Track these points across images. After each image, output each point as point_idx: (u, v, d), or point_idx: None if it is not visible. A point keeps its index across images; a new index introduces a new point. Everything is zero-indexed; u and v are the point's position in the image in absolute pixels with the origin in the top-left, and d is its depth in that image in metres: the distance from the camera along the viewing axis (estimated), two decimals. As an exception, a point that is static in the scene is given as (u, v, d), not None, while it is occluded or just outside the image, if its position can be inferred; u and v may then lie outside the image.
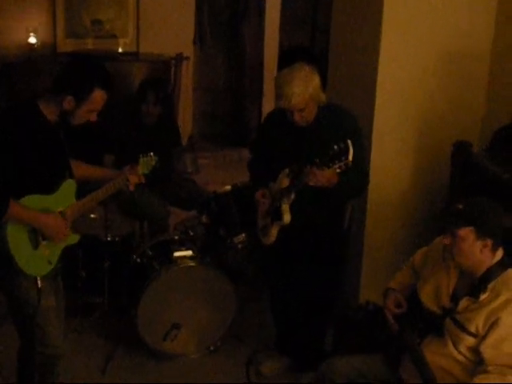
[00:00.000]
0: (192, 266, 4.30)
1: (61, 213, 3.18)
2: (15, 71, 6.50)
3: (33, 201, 3.06)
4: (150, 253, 4.46)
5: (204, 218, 4.58)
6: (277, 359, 4.28)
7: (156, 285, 4.20)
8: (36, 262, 3.14)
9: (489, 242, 2.85)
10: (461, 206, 2.88)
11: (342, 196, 3.80)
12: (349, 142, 3.23)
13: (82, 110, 3.10)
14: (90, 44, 6.91)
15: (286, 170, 3.70)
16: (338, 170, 3.30)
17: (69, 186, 3.23)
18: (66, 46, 6.82)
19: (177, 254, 4.35)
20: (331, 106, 3.75)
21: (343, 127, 3.67)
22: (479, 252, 2.86)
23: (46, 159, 3.08)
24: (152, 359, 4.32)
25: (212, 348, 4.43)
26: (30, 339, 3.24)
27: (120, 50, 6.98)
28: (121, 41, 7.02)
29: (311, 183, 3.44)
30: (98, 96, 3.10)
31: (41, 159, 3.05)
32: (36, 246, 3.12)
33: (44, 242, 3.15)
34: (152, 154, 3.56)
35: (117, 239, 4.61)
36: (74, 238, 3.34)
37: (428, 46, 4.27)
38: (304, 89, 3.53)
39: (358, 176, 3.61)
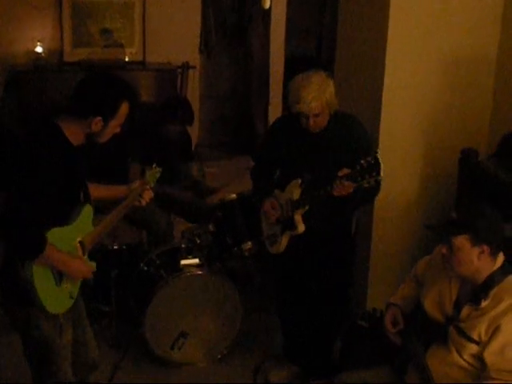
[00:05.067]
0: (199, 275, 4.30)
1: (80, 242, 3.07)
2: (23, 80, 6.53)
3: (55, 235, 2.90)
4: (157, 261, 4.47)
5: (211, 226, 4.57)
6: (284, 367, 4.27)
7: (163, 293, 4.20)
8: (59, 298, 3.03)
9: (485, 247, 2.83)
10: (454, 215, 2.88)
11: (354, 204, 3.78)
12: (378, 156, 3.21)
13: (110, 128, 2.99)
14: (96, 53, 6.92)
15: (298, 181, 3.69)
16: (366, 185, 3.28)
17: (87, 213, 3.09)
18: (73, 55, 6.84)
19: (184, 262, 4.36)
20: (342, 114, 3.74)
21: (355, 136, 3.67)
22: (477, 259, 2.85)
23: (68, 188, 2.94)
24: (159, 368, 4.32)
25: (219, 356, 4.42)
26: (43, 375, 3.16)
27: (126, 59, 6.99)
28: (127, 50, 7.04)
29: (336, 194, 3.41)
30: (124, 109, 2.99)
31: (63, 188, 2.90)
32: (59, 282, 3.00)
33: (66, 277, 3.03)
34: (155, 165, 3.45)
35: (124, 247, 4.61)
36: (91, 266, 3.21)
37: (434, 52, 4.27)
38: (321, 93, 3.52)
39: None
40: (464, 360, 2.91)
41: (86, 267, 3.11)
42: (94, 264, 3.21)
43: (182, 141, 5.41)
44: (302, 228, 3.73)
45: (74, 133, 2.94)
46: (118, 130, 3.05)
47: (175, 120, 5.10)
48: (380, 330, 3.44)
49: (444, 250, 2.89)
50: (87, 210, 3.09)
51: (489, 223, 2.85)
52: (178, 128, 5.15)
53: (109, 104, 2.95)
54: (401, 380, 3.17)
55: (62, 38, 6.81)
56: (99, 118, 2.92)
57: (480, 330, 2.85)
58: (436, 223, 3.02)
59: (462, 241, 2.83)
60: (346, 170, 3.35)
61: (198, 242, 4.50)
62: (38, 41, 6.60)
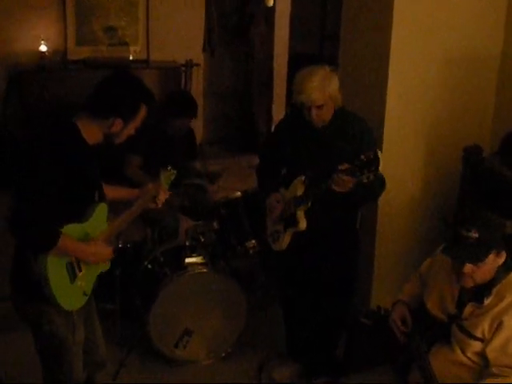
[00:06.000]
0: (203, 273, 4.30)
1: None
2: (26, 79, 6.54)
3: (72, 231, 2.92)
4: (162, 259, 4.47)
5: (215, 224, 4.58)
6: (288, 365, 4.27)
7: (167, 291, 4.21)
8: (73, 295, 3.03)
9: (503, 253, 2.88)
10: (476, 235, 2.82)
11: (358, 201, 3.78)
12: (378, 151, 3.22)
13: (128, 129, 3.04)
14: (100, 52, 6.93)
15: (302, 178, 3.69)
16: (365, 180, 3.27)
17: (101, 211, 3.10)
18: (77, 53, 6.84)
19: (188, 260, 4.36)
20: (346, 111, 3.75)
21: (359, 133, 3.67)
22: (496, 264, 2.88)
23: (82, 186, 2.96)
24: (163, 365, 4.33)
25: (223, 354, 4.43)
26: (55, 372, 3.17)
27: (131, 58, 7.00)
28: (131, 48, 7.05)
29: (338, 189, 3.40)
30: (143, 112, 3.04)
31: (78, 185, 2.92)
32: (73, 279, 3.00)
33: (80, 274, 3.03)
34: (170, 167, 3.46)
35: (128, 246, 4.61)
36: (106, 265, 3.23)
37: (437, 50, 4.27)
38: (324, 85, 3.53)
39: (375, 182, 3.50)
40: (467, 358, 2.92)
41: (104, 249, 3.10)
42: (110, 248, 3.18)
43: (187, 138, 5.42)
44: (303, 224, 3.73)
45: (92, 132, 2.97)
46: (133, 131, 3.09)
47: (181, 115, 5.10)
48: (384, 328, 3.45)
49: (469, 270, 2.85)
50: (102, 209, 3.11)
51: (502, 231, 2.89)
52: (185, 122, 5.15)
53: (131, 106, 2.99)
54: (403, 380, 3.18)
55: (65, 37, 6.82)
56: (120, 119, 2.96)
57: (483, 328, 2.86)
58: (454, 246, 2.95)
59: (490, 258, 2.84)
60: (345, 165, 3.35)
61: (202, 240, 4.50)
62: (42, 39, 6.60)
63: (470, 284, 2.91)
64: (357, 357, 3.96)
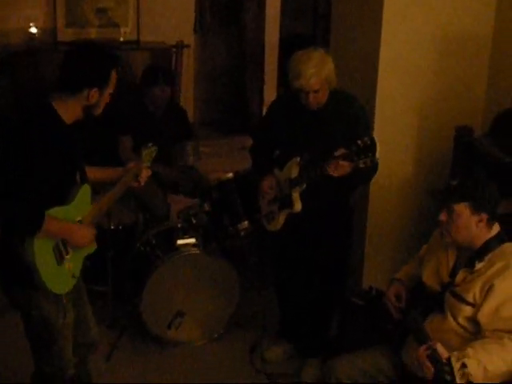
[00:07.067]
0: (195, 254, 4.31)
1: (79, 222, 3.06)
2: (17, 60, 6.49)
3: (56, 214, 2.91)
4: (154, 241, 4.47)
5: (207, 206, 4.58)
6: (281, 346, 4.29)
7: (160, 273, 4.22)
8: (61, 278, 3.02)
9: (484, 216, 2.90)
10: (455, 183, 2.94)
11: (352, 183, 3.77)
12: (375, 137, 3.22)
13: (104, 97, 3.01)
14: (90, 33, 6.88)
15: (297, 159, 3.69)
16: (362, 165, 3.27)
17: (85, 193, 3.08)
18: (67, 35, 6.79)
19: (180, 241, 4.36)
20: (340, 92, 3.75)
21: (354, 113, 3.67)
22: (475, 226, 2.92)
23: (64, 167, 2.94)
24: (156, 347, 4.34)
25: (216, 335, 4.45)
26: (45, 356, 3.16)
27: (121, 39, 6.95)
28: (121, 30, 7.00)
29: (335, 174, 3.40)
30: (114, 76, 3.01)
31: (59, 167, 2.91)
32: (60, 261, 2.99)
33: (67, 257, 3.02)
34: (151, 144, 3.41)
35: (120, 228, 4.61)
36: (92, 246, 3.20)
37: (429, 30, 4.26)
38: (320, 69, 3.53)
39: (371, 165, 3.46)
40: (458, 324, 2.95)
41: (88, 231, 3.09)
42: (95, 244, 3.19)
43: (179, 118, 5.40)
44: (298, 206, 3.73)
45: (69, 110, 2.96)
46: (108, 99, 3.07)
47: (156, 82, 5.09)
48: (376, 308, 3.46)
49: (443, 217, 2.95)
50: (85, 190, 3.09)
51: (488, 193, 2.92)
52: (163, 89, 5.13)
53: (102, 74, 2.97)
54: (398, 358, 3.19)
55: (55, 18, 6.76)
56: (95, 89, 2.94)
57: (474, 292, 2.90)
58: (437, 190, 3.04)
59: (462, 208, 2.89)
60: (342, 150, 3.35)
61: (194, 221, 4.50)
62: (32, 21, 6.54)
63: (447, 239, 2.98)
64: (349, 337, 3.98)
